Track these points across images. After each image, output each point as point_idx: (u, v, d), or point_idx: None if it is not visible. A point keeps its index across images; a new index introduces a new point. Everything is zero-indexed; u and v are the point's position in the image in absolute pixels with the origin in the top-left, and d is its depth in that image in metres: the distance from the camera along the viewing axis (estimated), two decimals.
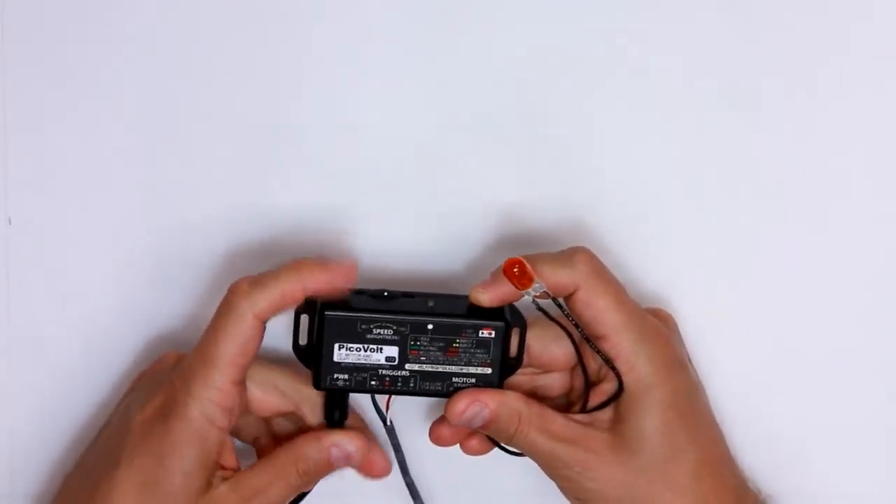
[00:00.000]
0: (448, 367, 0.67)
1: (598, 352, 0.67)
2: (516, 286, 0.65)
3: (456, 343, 0.67)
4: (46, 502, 0.73)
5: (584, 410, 0.68)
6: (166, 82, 0.72)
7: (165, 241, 0.73)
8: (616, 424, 0.67)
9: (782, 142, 0.73)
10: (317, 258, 0.66)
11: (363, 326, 0.66)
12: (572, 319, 0.67)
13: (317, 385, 0.67)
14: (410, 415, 0.73)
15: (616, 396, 0.67)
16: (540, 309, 0.66)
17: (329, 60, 0.71)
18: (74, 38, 0.71)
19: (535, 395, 0.70)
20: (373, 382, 0.67)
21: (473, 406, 0.67)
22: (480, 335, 0.67)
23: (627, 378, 0.67)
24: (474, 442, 0.70)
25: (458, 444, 0.70)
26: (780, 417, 0.74)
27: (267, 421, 0.71)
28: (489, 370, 0.67)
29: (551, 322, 0.68)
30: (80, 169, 0.72)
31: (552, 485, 0.68)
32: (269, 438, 0.71)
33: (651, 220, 0.74)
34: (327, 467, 0.68)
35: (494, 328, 0.66)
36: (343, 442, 0.67)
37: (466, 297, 0.67)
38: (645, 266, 0.73)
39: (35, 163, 0.72)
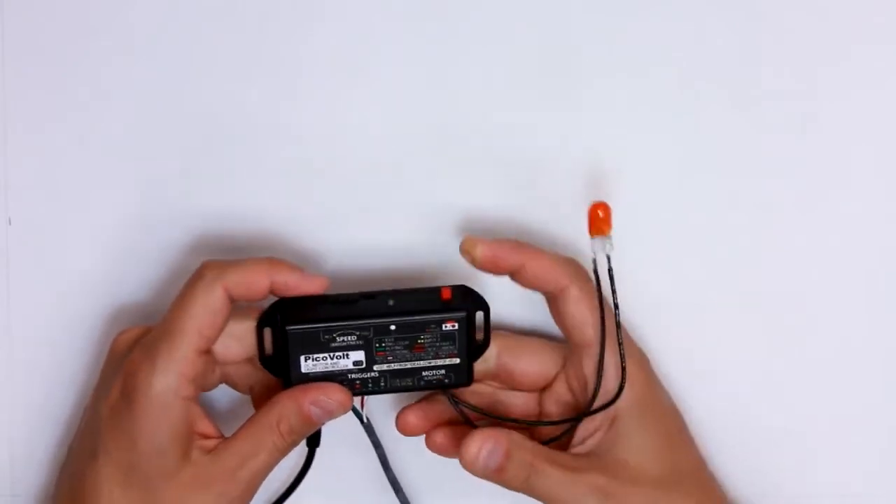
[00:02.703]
0: (416, 362, 0.67)
1: (620, 343, 0.66)
2: (591, 230, 0.65)
3: (421, 339, 0.66)
4: (46, 502, 0.73)
5: (587, 412, 0.68)
6: (166, 82, 0.72)
7: (165, 241, 0.73)
8: (605, 456, 0.67)
9: (782, 142, 0.73)
10: (290, 262, 0.66)
11: (326, 336, 0.66)
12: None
13: None
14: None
15: (618, 395, 0.67)
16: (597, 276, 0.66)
17: (323, 66, 0.72)
18: (74, 39, 0.72)
19: (494, 410, 0.70)
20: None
21: (487, 444, 0.65)
22: (444, 328, 0.66)
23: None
24: (439, 437, 0.70)
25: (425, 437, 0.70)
26: (779, 418, 0.74)
27: (258, 368, 0.69)
28: (457, 360, 0.67)
29: (528, 339, 0.69)
30: (80, 169, 0.73)
31: None
32: (263, 386, 0.69)
33: (650, 219, 0.73)
34: (310, 424, 0.66)
35: (457, 320, 0.66)
36: (322, 397, 0.66)
37: (428, 290, 0.66)
38: (644, 266, 0.73)
39: (35, 163, 0.73)
